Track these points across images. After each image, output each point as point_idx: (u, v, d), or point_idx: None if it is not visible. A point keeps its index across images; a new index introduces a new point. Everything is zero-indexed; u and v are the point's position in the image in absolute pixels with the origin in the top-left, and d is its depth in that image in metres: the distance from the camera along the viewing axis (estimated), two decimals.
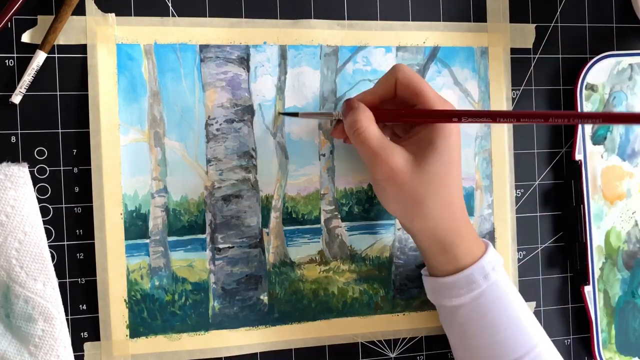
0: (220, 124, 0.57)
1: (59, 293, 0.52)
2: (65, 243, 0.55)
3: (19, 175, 0.51)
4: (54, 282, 0.51)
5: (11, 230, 0.50)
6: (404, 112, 0.54)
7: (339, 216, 0.60)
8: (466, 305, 0.54)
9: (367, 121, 0.52)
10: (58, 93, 0.54)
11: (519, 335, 0.54)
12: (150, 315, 0.55)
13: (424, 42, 0.61)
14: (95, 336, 0.54)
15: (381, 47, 0.60)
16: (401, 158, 0.52)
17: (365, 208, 0.60)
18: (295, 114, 0.58)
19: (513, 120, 0.50)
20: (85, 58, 0.54)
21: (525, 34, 0.64)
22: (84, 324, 0.55)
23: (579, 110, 0.63)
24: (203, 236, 0.57)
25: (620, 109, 0.65)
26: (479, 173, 0.63)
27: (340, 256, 0.60)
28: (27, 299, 0.51)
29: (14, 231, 0.50)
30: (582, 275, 0.64)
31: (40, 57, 0.52)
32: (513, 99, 0.64)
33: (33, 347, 0.51)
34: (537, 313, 0.64)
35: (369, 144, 0.52)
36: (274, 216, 0.58)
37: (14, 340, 0.51)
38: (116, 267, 0.54)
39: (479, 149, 0.63)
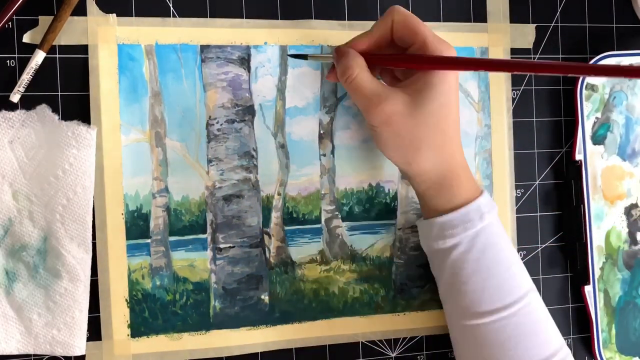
0: (221, 124, 0.57)
1: (90, 258, 0.53)
2: None
3: (84, 137, 0.52)
4: (89, 246, 0.53)
5: (63, 186, 0.52)
6: (398, 56, 0.54)
7: (340, 216, 0.60)
8: (461, 245, 0.54)
9: (358, 68, 0.52)
10: (59, 93, 0.54)
11: (512, 281, 0.54)
12: (152, 314, 0.56)
13: None
14: (96, 336, 0.54)
15: None
16: (396, 102, 0.51)
17: (366, 208, 0.60)
18: (304, 56, 0.57)
19: (511, 69, 0.51)
20: (87, 58, 0.54)
21: (525, 34, 0.64)
22: None
23: (580, 111, 0.64)
24: (204, 236, 0.57)
25: (621, 108, 0.65)
26: (479, 173, 0.63)
27: (341, 256, 0.60)
28: (59, 254, 0.52)
29: (66, 188, 0.52)
30: (582, 275, 0.64)
31: (39, 57, 0.52)
32: (513, 99, 0.64)
33: (52, 302, 0.52)
34: None
35: (361, 90, 0.52)
36: (275, 216, 0.58)
37: (35, 292, 0.52)
38: (117, 267, 0.55)
39: (479, 149, 0.63)
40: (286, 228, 0.59)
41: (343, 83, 0.53)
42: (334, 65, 0.55)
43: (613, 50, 0.65)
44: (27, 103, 0.53)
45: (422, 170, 0.53)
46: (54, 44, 0.53)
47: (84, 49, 0.54)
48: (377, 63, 0.54)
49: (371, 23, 0.60)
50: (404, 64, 0.54)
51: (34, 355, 0.54)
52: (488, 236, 0.54)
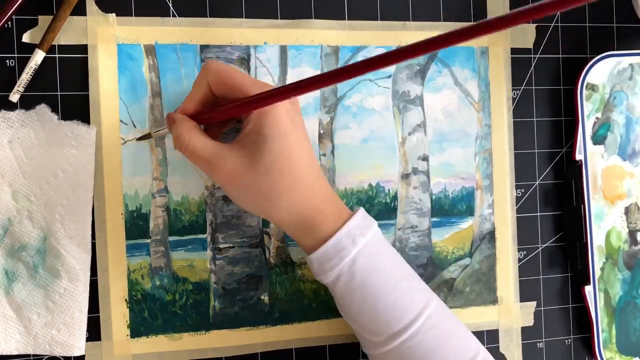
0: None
1: (89, 258, 0.53)
2: None
3: (84, 136, 0.52)
4: (88, 246, 0.53)
5: (63, 186, 0.52)
6: (220, 107, 0.51)
7: None
8: (342, 275, 0.51)
9: (189, 132, 0.50)
10: (59, 93, 0.54)
11: (404, 298, 0.51)
12: (151, 315, 0.55)
13: None
14: (96, 336, 0.54)
15: (381, 47, 0.60)
16: (234, 159, 0.49)
17: (366, 208, 0.60)
18: (148, 135, 0.55)
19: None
20: (86, 58, 0.54)
21: (526, 34, 0.64)
22: None
23: (580, 111, 0.63)
24: (204, 236, 0.57)
25: (621, 108, 0.65)
26: (480, 173, 0.63)
27: None
28: (59, 254, 0.52)
29: (65, 188, 0.52)
30: (582, 275, 0.64)
31: (38, 56, 0.52)
32: (513, 99, 0.64)
33: (51, 302, 0.52)
34: (537, 313, 0.64)
35: (196, 154, 0.50)
36: None
37: (35, 292, 0.52)
38: (117, 267, 0.55)
39: (480, 148, 0.63)
40: None
41: (179, 150, 0.51)
42: None
43: (613, 50, 0.65)
44: (27, 103, 0.53)
45: (281, 217, 0.51)
46: (53, 43, 0.53)
47: (83, 48, 0.54)
48: (205, 121, 0.52)
49: (370, 23, 0.60)
50: (227, 114, 0.51)
51: (34, 355, 0.53)
52: (367, 258, 0.51)
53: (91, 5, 0.54)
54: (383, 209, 0.60)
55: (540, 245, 0.65)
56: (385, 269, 0.52)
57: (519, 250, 0.64)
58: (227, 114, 0.51)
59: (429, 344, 0.51)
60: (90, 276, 0.53)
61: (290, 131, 0.50)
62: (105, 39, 0.54)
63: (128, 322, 0.55)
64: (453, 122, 0.62)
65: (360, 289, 0.51)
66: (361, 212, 0.53)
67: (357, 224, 0.52)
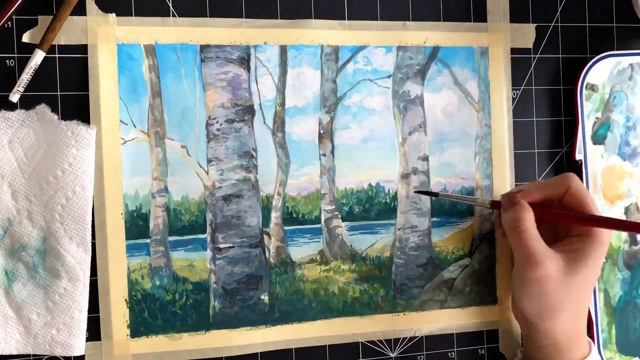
0: (221, 124, 0.57)
1: (89, 258, 0.53)
2: None
3: (84, 136, 0.52)
4: (88, 246, 0.53)
5: (62, 186, 0.52)
6: (571, 215, 0.56)
7: (339, 216, 0.60)
8: None
9: (529, 221, 0.54)
10: (59, 93, 0.54)
11: None
12: (151, 315, 0.55)
13: (425, 42, 0.61)
14: (96, 336, 0.54)
15: (382, 47, 0.60)
16: (555, 265, 0.54)
17: (366, 208, 0.60)
18: (435, 194, 0.59)
19: None
20: (86, 58, 0.54)
21: (525, 34, 0.64)
22: None
23: (580, 111, 0.63)
24: (204, 236, 0.57)
25: (621, 108, 0.65)
26: (479, 173, 0.63)
27: (341, 256, 0.60)
28: (59, 254, 0.52)
29: (65, 188, 0.52)
30: None
31: (38, 56, 0.52)
32: (513, 99, 0.64)
33: (51, 302, 0.52)
34: None
35: (525, 245, 0.54)
36: (275, 216, 0.58)
37: (35, 292, 0.52)
38: (117, 267, 0.55)
39: (480, 148, 0.63)
40: (286, 228, 0.59)
41: (508, 231, 0.55)
42: (493, 206, 0.58)
43: (613, 50, 0.65)
44: (27, 103, 0.53)
45: (552, 329, 0.56)
46: (53, 43, 0.53)
47: (83, 48, 0.54)
48: (544, 217, 0.56)
49: (370, 23, 0.60)
50: (574, 221, 0.56)
51: (34, 355, 0.54)
52: None
53: (91, 5, 0.54)
54: (383, 209, 0.61)
55: None
56: None
57: None
58: (571, 220, 0.56)
59: None
60: (90, 276, 0.53)
61: (600, 266, 0.57)
62: (105, 39, 0.54)
63: (128, 322, 0.55)
64: (453, 122, 0.62)
65: None
66: (594, 347, 0.59)
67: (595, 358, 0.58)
